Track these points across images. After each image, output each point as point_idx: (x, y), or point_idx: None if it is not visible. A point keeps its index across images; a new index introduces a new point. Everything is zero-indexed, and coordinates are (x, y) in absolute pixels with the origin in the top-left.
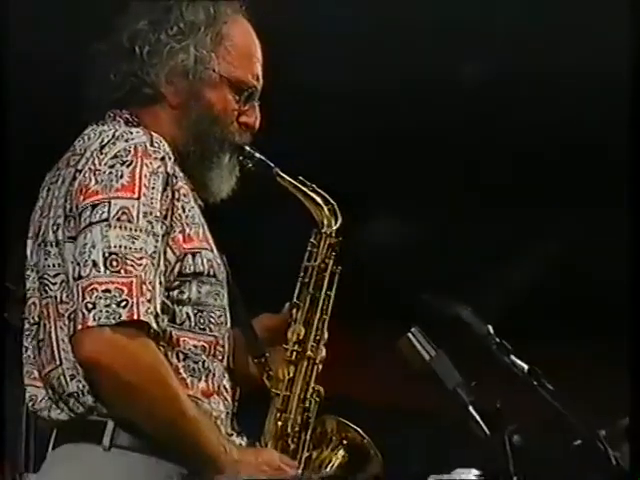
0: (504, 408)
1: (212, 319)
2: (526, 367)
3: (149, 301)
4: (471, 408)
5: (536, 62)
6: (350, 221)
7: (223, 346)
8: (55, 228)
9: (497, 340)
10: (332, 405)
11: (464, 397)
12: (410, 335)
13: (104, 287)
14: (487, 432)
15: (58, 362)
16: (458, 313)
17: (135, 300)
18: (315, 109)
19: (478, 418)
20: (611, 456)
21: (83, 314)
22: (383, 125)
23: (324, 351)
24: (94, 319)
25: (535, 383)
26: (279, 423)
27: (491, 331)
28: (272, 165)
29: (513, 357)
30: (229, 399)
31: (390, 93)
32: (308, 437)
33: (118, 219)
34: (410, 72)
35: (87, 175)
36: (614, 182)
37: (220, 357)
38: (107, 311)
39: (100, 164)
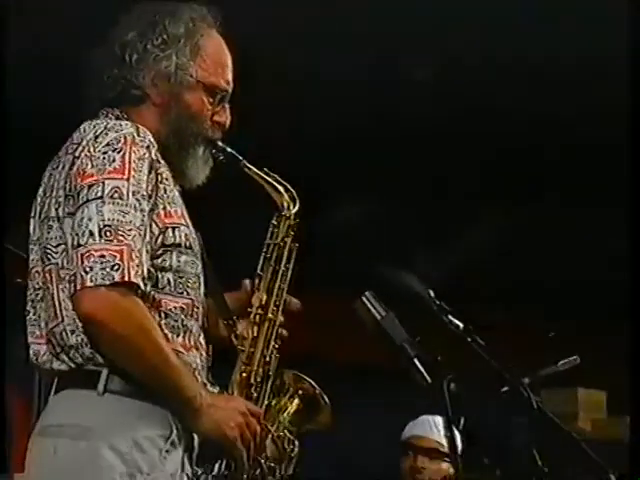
0: (443, 360)
1: (189, 284)
2: (462, 325)
3: (138, 266)
4: (416, 360)
5: (535, 64)
6: (309, 205)
7: (198, 308)
8: (57, 206)
9: (437, 302)
10: (301, 362)
11: (409, 351)
12: (364, 298)
13: (99, 253)
14: (429, 380)
15: (60, 319)
16: (405, 280)
17: (126, 264)
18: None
19: (421, 369)
20: (533, 401)
21: (82, 276)
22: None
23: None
24: (91, 280)
25: (469, 339)
26: (244, 375)
27: (432, 294)
28: (240, 158)
29: (450, 316)
30: (204, 354)
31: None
32: (268, 387)
33: (111, 197)
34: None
35: (84, 160)
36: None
37: (196, 317)
38: (102, 273)
39: (95, 151)
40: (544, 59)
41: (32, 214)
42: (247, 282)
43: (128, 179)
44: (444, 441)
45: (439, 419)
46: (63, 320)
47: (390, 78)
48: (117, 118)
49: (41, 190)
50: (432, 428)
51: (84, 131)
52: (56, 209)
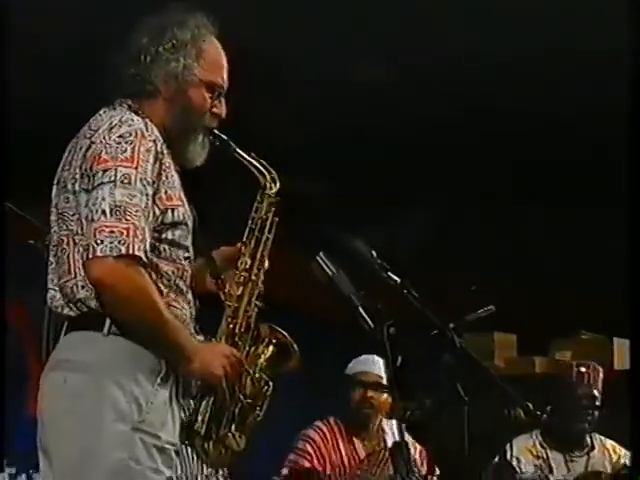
0: (383, 309)
1: (180, 253)
2: (398, 280)
3: (141, 242)
4: (360, 309)
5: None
6: (286, 186)
7: (187, 271)
8: (73, 182)
9: (379, 261)
10: (277, 313)
11: (355, 301)
12: (318, 259)
13: (110, 229)
14: (371, 325)
15: (73, 275)
16: (353, 243)
17: (131, 240)
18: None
19: (365, 316)
20: (457, 342)
21: (93, 247)
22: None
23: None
24: (101, 251)
25: (405, 291)
26: (230, 326)
27: (374, 255)
28: (232, 144)
29: (389, 273)
30: (192, 307)
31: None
32: (249, 337)
33: (121, 182)
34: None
35: (99, 147)
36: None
37: (185, 278)
38: (111, 246)
39: (109, 140)
40: (544, 59)
41: (55, 181)
42: (239, 245)
43: (136, 168)
44: (384, 375)
45: (378, 357)
46: (75, 277)
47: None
48: (129, 108)
49: (62, 163)
50: (374, 364)
51: (101, 120)
52: (72, 184)
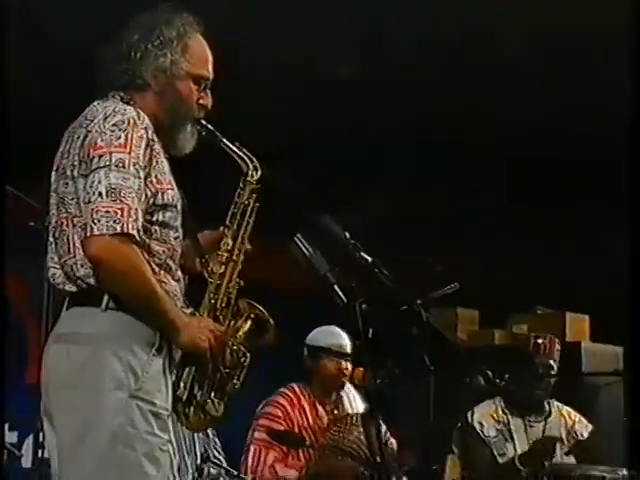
0: (357, 286)
1: (170, 234)
2: (370, 259)
3: (134, 221)
4: (335, 286)
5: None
6: (267, 174)
7: (177, 250)
8: (72, 168)
9: (352, 242)
10: (255, 290)
11: (331, 279)
12: (296, 239)
13: (105, 209)
14: (345, 301)
15: (72, 255)
16: (329, 225)
17: (125, 219)
18: None
19: (340, 292)
20: (424, 316)
21: (91, 226)
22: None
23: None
24: (98, 230)
25: (376, 270)
26: (212, 301)
27: (348, 236)
28: (218, 134)
29: (362, 253)
30: (181, 283)
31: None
32: (229, 311)
33: (116, 166)
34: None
35: (95, 135)
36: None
37: (174, 257)
38: (107, 225)
39: (104, 128)
40: (544, 59)
41: (54, 168)
42: (222, 228)
43: (129, 153)
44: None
45: (339, 329)
46: (75, 256)
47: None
48: (121, 99)
49: (60, 150)
50: (344, 337)
51: (96, 110)
52: (71, 170)
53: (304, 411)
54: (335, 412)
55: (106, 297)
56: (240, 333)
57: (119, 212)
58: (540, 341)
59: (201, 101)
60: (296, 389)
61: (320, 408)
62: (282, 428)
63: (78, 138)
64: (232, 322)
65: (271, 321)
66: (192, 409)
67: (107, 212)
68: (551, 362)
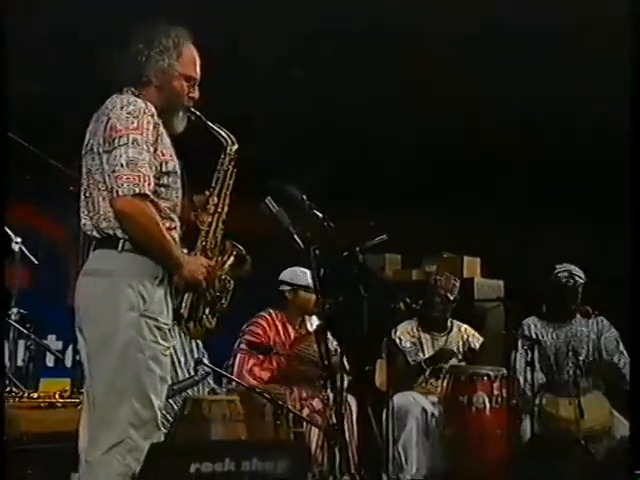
0: (311, 236)
1: (172, 193)
2: (321, 215)
3: (149, 185)
4: (295, 236)
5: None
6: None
7: (177, 206)
8: (97, 146)
9: (308, 202)
10: (240, 236)
11: (292, 230)
12: (266, 201)
13: (126, 177)
14: (301, 245)
15: (97, 211)
16: (289, 190)
17: (142, 183)
18: None
19: (298, 240)
20: (360, 259)
21: (116, 190)
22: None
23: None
24: (122, 192)
25: (325, 224)
26: (203, 243)
27: (305, 198)
28: (203, 117)
29: (315, 210)
30: (180, 231)
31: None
32: (217, 251)
33: (132, 144)
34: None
35: (114, 120)
36: None
37: (176, 212)
38: (128, 188)
39: (122, 115)
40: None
41: (85, 143)
42: (207, 191)
43: (142, 134)
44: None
45: (304, 269)
46: (99, 212)
47: None
48: (133, 94)
49: (88, 129)
50: (305, 274)
51: (114, 101)
52: (97, 148)
53: (278, 330)
54: (300, 330)
55: (122, 242)
56: (226, 266)
57: (137, 179)
58: (439, 277)
59: (190, 94)
60: (272, 313)
61: (290, 327)
62: (259, 341)
63: (102, 122)
64: (219, 258)
65: (248, 257)
66: (192, 323)
67: (127, 179)
68: (449, 294)
